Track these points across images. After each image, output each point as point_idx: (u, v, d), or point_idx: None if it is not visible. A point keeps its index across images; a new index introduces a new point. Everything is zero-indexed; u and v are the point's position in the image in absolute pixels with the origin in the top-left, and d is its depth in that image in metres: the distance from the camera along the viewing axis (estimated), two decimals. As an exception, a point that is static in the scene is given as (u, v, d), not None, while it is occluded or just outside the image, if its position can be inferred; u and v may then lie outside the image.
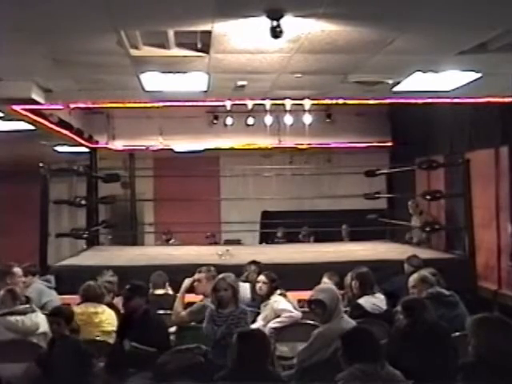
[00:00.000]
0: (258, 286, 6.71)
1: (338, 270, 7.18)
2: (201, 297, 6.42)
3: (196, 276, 6.64)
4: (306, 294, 7.31)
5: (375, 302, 6.23)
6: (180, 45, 5.48)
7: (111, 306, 6.32)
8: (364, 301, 6.20)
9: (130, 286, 6.38)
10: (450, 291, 6.08)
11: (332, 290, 5.29)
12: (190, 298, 6.56)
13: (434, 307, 5.42)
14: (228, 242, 12.39)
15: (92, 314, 5.96)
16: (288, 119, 11.41)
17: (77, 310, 6.03)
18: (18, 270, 6.89)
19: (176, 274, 7.37)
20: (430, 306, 5.31)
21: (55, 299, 6.92)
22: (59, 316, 5.29)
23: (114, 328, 5.96)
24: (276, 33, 4.40)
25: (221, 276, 5.96)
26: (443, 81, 6.77)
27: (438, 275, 6.44)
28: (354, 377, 3.90)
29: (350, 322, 5.06)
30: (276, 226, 13.58)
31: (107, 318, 5.99)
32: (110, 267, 7.72)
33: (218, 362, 5.15)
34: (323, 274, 7.22)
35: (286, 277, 6.97)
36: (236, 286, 5.78)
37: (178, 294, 6.50)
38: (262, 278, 6.71)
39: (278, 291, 6.53)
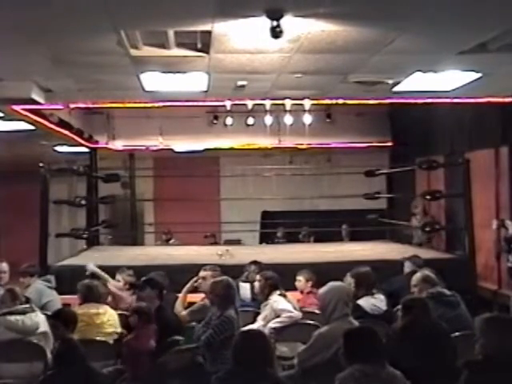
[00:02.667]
0: (255, 285, 6.77)
1: (337, 270, 7.17)
2: (202, 296, 6.43)
3: (201, 273, 6.65)
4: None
5: (375, 302, 6.21)
6: (180, 45, 5.48)
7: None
8: (363, 301, 6.17)
9: (145, 278, 6.43)
10: (452, 291, 6.08)
11: (334, 288, 5.10)
12: (191, 298, 6.58)
13: (433, 307, 5.42)
14: (228, 242, 12.39)
15: (93, 315, 5.93)
16: (288, 119, 11.42)
17: (78, 310, 6.03)
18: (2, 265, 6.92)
19: (176, 273, 7.38)
20: (430, 305, 5.31)
21: (55, 299, 6.91)
22: (56, 319, 5.27)
23: (116, 329, 5.95)
24: (276, 33, 4.40)
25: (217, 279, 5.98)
26: (443, 81, 6.77)
27: (437, 275, 6.44)
28: (353, 377, 3.89)
29: (353, 324, 4.96)
30: (276, 225, 13.58)
31: (109, 319, 5.97)
32: (110, 267, 7.74)
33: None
34: (323, 274, 7.24)
35: (286, 277, 6.97)
36: (222, 292, 5.58)
37: (180, 294, 6.51)
38: (257, 277, 6.76)
39: (278, 291, 6.54)
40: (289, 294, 6.70)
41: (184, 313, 6.21)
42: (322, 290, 5.18)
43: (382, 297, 6.32)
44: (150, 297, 5.84)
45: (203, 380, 4.99)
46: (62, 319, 5.23)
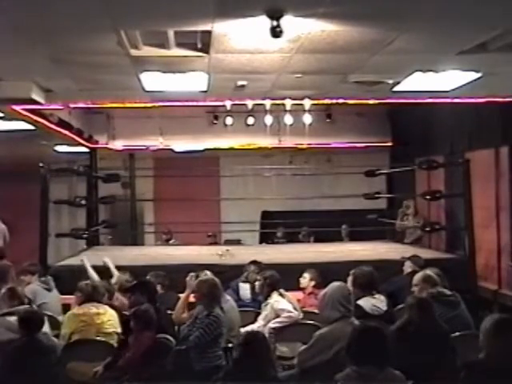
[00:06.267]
0: (255, 285, 6.80)
1: (338, 269, 7.17)
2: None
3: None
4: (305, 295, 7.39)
5: (375, 302, 6.17)
6: (180, 45, 5.49)
7: (110, 306, 6.31)
8: (364, 301, 6.15)
9: (135, 282, 6.42)
10: (452, 291, 6.08)
11: (330, 288, 5.08)
12: (192, 298, 6.56)
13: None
14: (228, 242, 12.39)
15: (94, 315, 5.94)
16: (288, 119, 11.40)
17: (78, 310, 6.04)
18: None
19: (176, 273, 7.37)
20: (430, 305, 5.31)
21: (52, 301, 6.87)
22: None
23: (116, 329, 5.95)
24: (276, 33, 4.40)
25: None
26: (443, 81, 6.77)
27: (441, 275, 6.43)
28: (350, 378, 3.88)
29: (355, 325, 4.94)
30: (276, 226, 13.58)
31: (109, 319, 5.97)
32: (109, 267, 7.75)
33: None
34: (323, 273, 7.24)
35: (286, 277, 6.98)
36: (208, 291, 5.68)
37: (182, 295, 6.50)
38: (257, 277, 6.78)
39: (278, 291, 6.54)
40: (289, 294, 6.71)
41: (185, 315, 6.19)
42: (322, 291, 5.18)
43: (382, 297, 6.29)
44: (138, 302, 5.83)
45: (202, 379, 5.01)
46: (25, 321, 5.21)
